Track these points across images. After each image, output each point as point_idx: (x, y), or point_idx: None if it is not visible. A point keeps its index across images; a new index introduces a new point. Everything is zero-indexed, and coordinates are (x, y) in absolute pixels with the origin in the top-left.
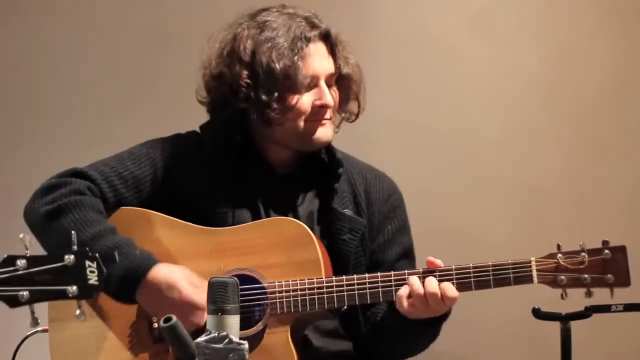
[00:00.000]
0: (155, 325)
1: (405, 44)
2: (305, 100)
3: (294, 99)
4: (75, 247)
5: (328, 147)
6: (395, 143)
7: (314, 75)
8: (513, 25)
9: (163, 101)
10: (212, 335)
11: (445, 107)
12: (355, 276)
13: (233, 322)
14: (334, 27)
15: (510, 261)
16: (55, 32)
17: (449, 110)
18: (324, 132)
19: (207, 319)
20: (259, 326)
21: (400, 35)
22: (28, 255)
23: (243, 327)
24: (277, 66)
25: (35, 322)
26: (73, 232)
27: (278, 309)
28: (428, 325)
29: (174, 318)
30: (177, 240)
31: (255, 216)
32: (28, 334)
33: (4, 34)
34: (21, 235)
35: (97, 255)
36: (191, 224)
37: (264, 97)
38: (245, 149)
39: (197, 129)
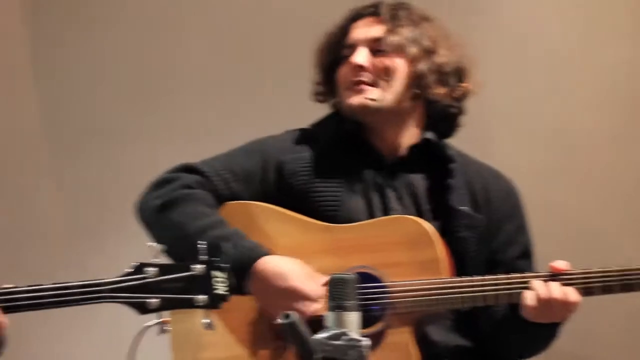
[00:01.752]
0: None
1: (520, 43)
2: (343, 70)
3: (338, 73)
4: (202, 257)
5: (426, 138)
6: (511, 141)
7: (351, 43)
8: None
9: (272, 100)
10: (331, 332)
11: (558, 103)
12: (478, 277)
13: (353, 319)
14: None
15: (637, 266)
16: (167, 32)
17: (560, 108)
18: (353, 97)
19: (326, 314)
20: (380, 325)
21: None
22: (158, 263)
23: (364, 325)
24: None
25: (162, 330)
26: (198, 242)
27: (400, 309)
28: (549, 327)
29: (293, 314)
30: (293, 235)
31: (370, 212)
32: (148, 324)
33: (117, 35)
34: (149, 244)
35: (227, 266)
36: (306, 218)
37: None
38: (356, 142)
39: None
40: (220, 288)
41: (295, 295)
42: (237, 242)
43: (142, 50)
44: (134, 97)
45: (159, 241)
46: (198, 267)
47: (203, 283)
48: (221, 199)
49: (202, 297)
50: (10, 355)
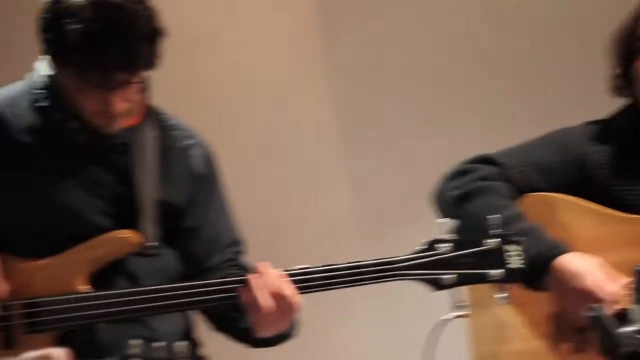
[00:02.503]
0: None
1: None
2: None
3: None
4: (493, 232)
5: None
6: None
7: None
8: None
9: (565, 92)
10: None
11: None
12: None
13: None
14: None
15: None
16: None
17: None
18: None
19: (632, 307)
20: None
21: None
22: (451, 238)
23: None
24: None
25: (457, 306)
26: (489, 217)
27: None
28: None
29: (600, 307)
30: (593, 227)
31: None
32: (446, 317)
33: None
34: (440, 220)
35: (522, 239)
36: (606, 210)
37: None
38: None
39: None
40: (515, 262)
41: (591, 297)
42: (536, 236)
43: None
44: (425, 90)
45: (457, 232)
46: (491, 242)
47: (496, 257)
48: (519, 191)
49: (496, 272)
50: (311, 344)
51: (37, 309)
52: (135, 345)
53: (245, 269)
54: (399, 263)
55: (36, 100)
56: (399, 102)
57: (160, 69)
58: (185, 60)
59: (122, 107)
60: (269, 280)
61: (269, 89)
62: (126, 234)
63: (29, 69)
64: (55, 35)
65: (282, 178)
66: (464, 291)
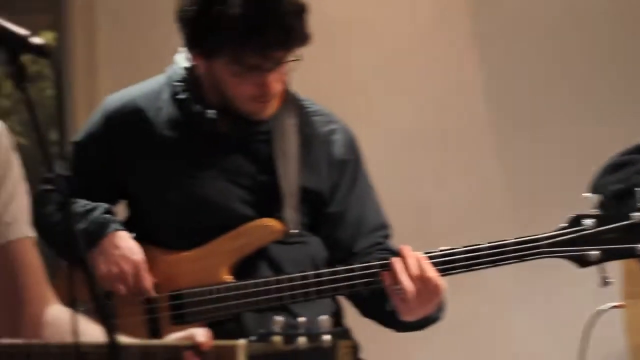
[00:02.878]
0: None
1: None
2: None
3: None
4: None
5: None
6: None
7: None
8: None
9: None
10: None
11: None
12: None
13: None
14: None
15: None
16: None
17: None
18: None
19: None
20: None
21: None
22: (595, 214)
23: None
24: None
25: (605, 282)
26: (636, 189)
27: None
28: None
29: None
30: None
31: None
32: (602, 308)
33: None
34: (586, 194)
35: None
36: None
37: None
38: None
39: None
40: None
41: None
42: None
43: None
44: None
45: (599, 207)
46: (637, 215)
47: None
48: None
49: None
50: (468, 335)
51: (182, 301)
52: (277, 321)
53: (393, 253)
54: (542, 241)
55: (175, 93)
56: (551, 87)
57: (307, 61)
58: (331, 50)
59: (277, 88)
60: (411, 263)
61: (414, 73)
62: (269, 222)
63: (168, 62)
64: (207, 23)
65: (431, 162)
66: (618, 282)
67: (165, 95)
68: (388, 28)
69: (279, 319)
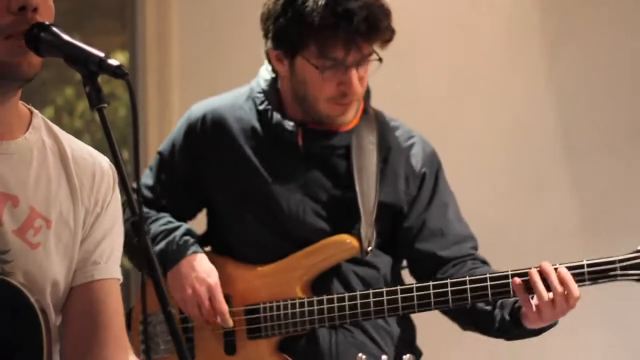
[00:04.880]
0: None
1: None
2: None
3: None
4: None
5: None
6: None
7: None
8: None
9: None
10: None
11: None
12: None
13: None
14: None
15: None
16: None
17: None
18: None
19: None
20: None
21: None
22: None
23: None
24: None
25: None
26: None
27: None
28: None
29: None
30: None
31: None
32: None
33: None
34: None
35: None
36: None
37: None
38: None
39: None
40: None
41: None
42: None
43: None
44: None
45: None
46: None
47: None
48: None
49: None
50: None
51: (258, 315)
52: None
53: (486, 264)
54: (618, 263)
55: (257, 104)
56: (622, 102)
57: (379, 75)
58: (401, 63)
59: (358, 89)
60: (552, 276)
61: (486, 87)
62: (346, 239)
63: (243, 81)
64: (293, 16)
65: (503, 179)
66: None
67: (247, 107)
68: (458, 46)
69: (362, 357)
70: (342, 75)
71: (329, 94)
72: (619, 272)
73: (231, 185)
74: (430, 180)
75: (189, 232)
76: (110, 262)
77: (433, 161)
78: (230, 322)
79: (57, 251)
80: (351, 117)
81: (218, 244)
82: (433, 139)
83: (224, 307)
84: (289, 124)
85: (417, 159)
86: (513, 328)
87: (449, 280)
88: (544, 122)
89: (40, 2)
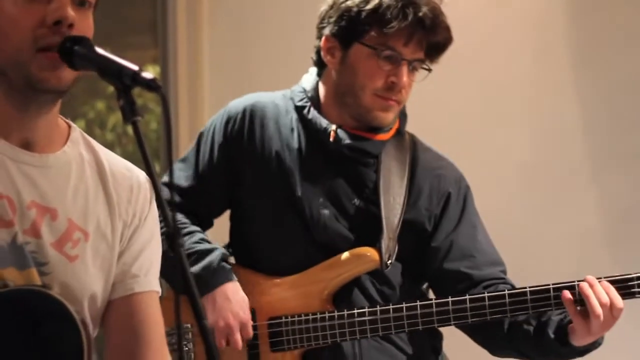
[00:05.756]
0: None
1: None
2: None
3: None
4: None
5: None
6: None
7: None
8: None
9: None
10: None
11: None
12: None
13: None
14: None
15: None
16: None
17: None
18: None
19: None
20: None
21: None
22: None
23: None
24: None
25: None
26: None
27: None
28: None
29: None
30: None
31: None
32: None
33: None
34: None
35: None
36: None
37: None
38: None
39: None
40: None
41: None
42: None
43: None
44: None
45: None
46: None
47: None
48: None
49: None
50: None
51: (281, 328)
52: None
53: (514, 289)
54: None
55: (295, 101)
56: None
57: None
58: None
59: (405, 89)
60: (597, 288)
61: (511, 101)
62: (367, 252)
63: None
64: (360, 3)
65: (527, 193)
66: None
67: (286, 104)
68: (483, 61)
69: None
70: (394, 68)
71: (378, 84)
72: (637, 289)
73: (260, 180)
74: (458, 202)
75: (225, 257)
76: (150, 275)
77: (460, 184)
78: None
79: (95, 264)
80: (390, 119)
81: (241, 249)
82: (457, 154)
83: (249, 327)
84: (324, 121)
85: (444, 180)
86: (559, 347)
87: (486, 294)
88: (568, 132)
89: (78, 19)
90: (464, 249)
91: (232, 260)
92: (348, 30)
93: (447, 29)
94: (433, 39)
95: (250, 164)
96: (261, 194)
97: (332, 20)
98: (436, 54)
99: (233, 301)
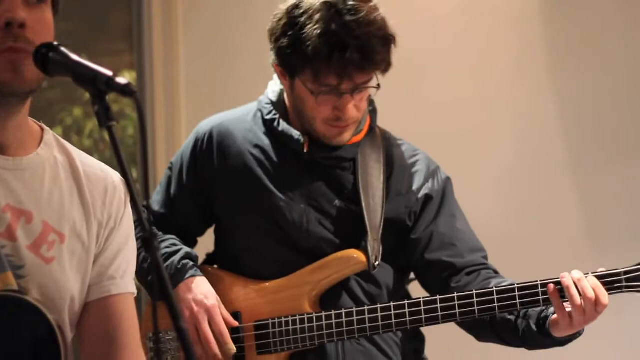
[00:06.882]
0: None
1: None
2: None
3: None
4: None
5: None
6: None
7: None
8: None
9: None
10: None
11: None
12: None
13: None
14: None
15: None
16: None
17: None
18: None
19: None
20: None
21: None
22: None
23: None
24: None
25: None
26: None
27: None
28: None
29: None
30: None
31: None
32: None
33: None
34: None
35: None
36: None
37: None
38: None
39: None
40: None
41: None
42: None
43: None
44: None
45: None
46: None
47: None
48: None
49: None
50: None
51: (267, 331)
52: None
53: (498, 274)
54: (623, 275)
55: (264, 114)
56: (627, 112)
57: (388, 93)
58: (406, 76)
59: (353, 114)
60: (581, 280)
61: (491, 100)
62: (353, 254)
63: (249, 101)
64: (292, 41)
65: (508, 191)
66: None
67: (254, 119)
68: (463, 59)
69: None
70: (336, 100)
71: (325, 116)
72: (624, 283)
73: (236, 197)
74: (437, 195)
75: (188, 256)
76: (127, 277)
77: (437, 177)
78: (230, 345)
79: (72, 266)
80: (348, 138)
81: (226, 259)
82: (437, 152)
83: (223, 328)
84: (296, 133)
85: (419, 176)
86: (540, 337)
87: (474, 291)
88: (549, 134)
89: (30, 19)
90: (444, 238)
91: (200, 259)
92: (287, 66)
93: (382, 60)
94: (369, 66)
95: (224, 182)
96: (239, 210)
97: (273, 51)
98: (381, 70)
99: (196, 292)
